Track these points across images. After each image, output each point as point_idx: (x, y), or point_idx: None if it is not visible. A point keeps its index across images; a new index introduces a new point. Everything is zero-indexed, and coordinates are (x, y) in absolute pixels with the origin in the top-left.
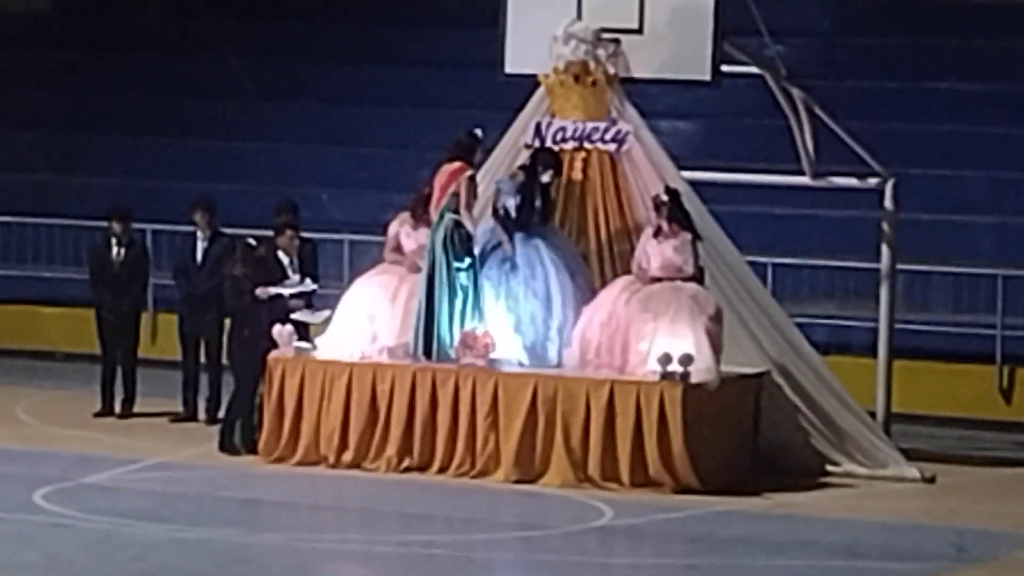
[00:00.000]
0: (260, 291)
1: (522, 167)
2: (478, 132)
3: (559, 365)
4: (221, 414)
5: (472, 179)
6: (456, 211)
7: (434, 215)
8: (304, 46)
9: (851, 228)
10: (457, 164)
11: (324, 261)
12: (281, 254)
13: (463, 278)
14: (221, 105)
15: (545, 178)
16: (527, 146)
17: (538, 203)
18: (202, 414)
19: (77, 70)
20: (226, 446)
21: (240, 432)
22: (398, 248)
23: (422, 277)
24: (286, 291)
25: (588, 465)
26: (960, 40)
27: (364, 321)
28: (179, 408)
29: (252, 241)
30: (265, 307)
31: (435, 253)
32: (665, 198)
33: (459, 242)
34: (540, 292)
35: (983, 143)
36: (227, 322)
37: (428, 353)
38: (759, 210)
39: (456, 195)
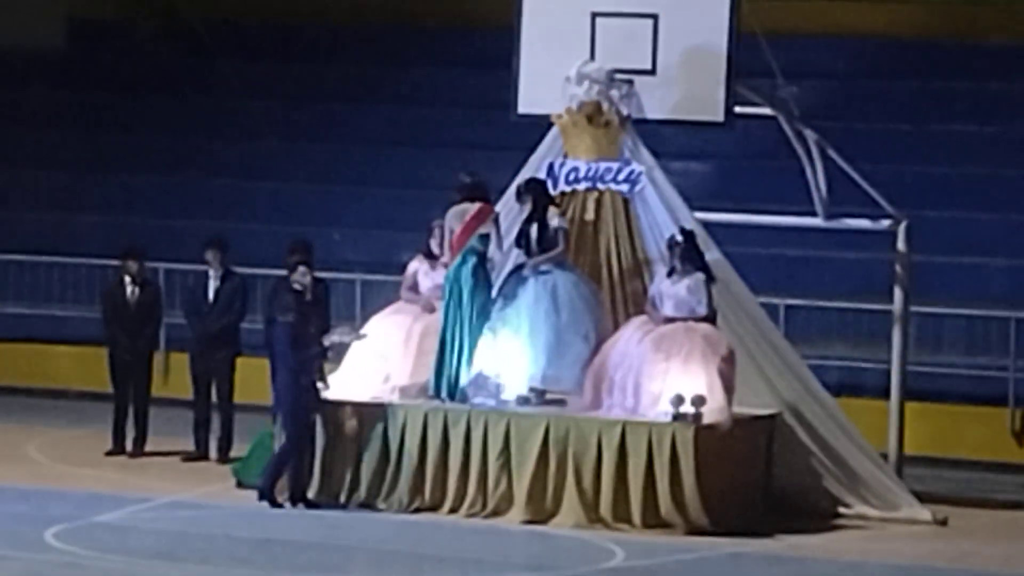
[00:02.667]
0: (326, 340)
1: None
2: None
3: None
4: (233, 452)
5: (498, 218)
6: (482, 250)
7: (455, 255)
8: (317, 86)
9: (864, 270)
10: (479, 204)
11: (336, 300)
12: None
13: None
14: (234, 145)
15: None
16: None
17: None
18: (214, 453)
19: (89, 109)
20: (267, 496)
21: (290, 482)
22: (414, 287)
23: (440, 317)
24: (347, 339)
25: (600, 506)
26: (973, 82)
27: (377, 360)
28: (191, 447)
29: (298, 287)
30: (319, 355)
31: (459, 290)
32: (680, 239)
33: (484, 279)
34: (524, 326)
35: (996, 185)
36: (238, 361)
37: (439, 393)
38: (772, 251)
39: (485, 235)
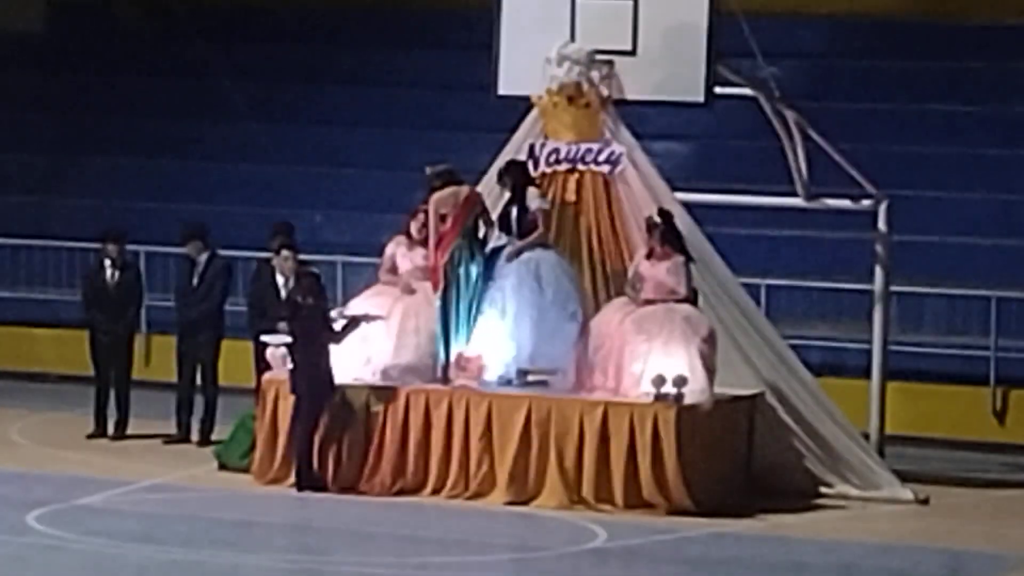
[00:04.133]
0: (337, 325)
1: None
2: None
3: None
4: (215, 436)
5: (482, 199)
6: (476, 233)
7: (451, 238)
8: (297, 68)
9: (845, 250)
10: (467, 190)
11: None
12: (278, 275)
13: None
14: (214, 127)
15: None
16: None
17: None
18: (195, 435)
19: (70, 92)
20: (309, 484)
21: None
22: (393, 269)
23: (438, 302)
24: (366, 323)
25: (582, 487)
26: (954, 62)
27: (358, 343)
28: (172, 430)
29: (315, 270)
30: (341, 337)
31: (466, 271)
32: (658, 220)
33: (479, 250)
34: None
35: (977, 165)
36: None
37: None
38: (753, 232)
39: (477, 218)
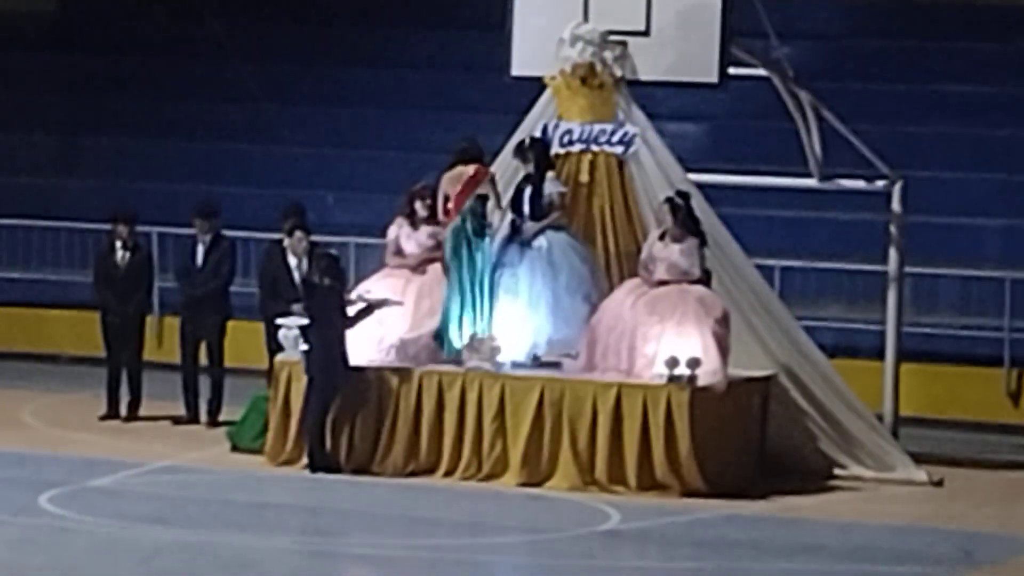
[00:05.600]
0: (352, 310)
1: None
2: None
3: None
4: (223, 416)
5: (494, 178)
6: (481, 211)
7: (454, 216)
8: (309, 48)
9: (858, 231)
10: (474, 166)
11: None
12: (290, 256)
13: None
14: (226, 108)
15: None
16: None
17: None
18: (204, 416)
19: (81, 72)
20: (322, 465)
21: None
22: (399, 252)
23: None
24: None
25: (595, 468)
26: (969, 42)
27: (373, 324)
28: (184, 411)
29: (334, 251)
30: (358, 320)
31: (464, 251)
32: (678, 201)
33: (480, 229)
34: (523, 293)
35: (991, 145)
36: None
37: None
38: (766, 213)
39: (483, 196)
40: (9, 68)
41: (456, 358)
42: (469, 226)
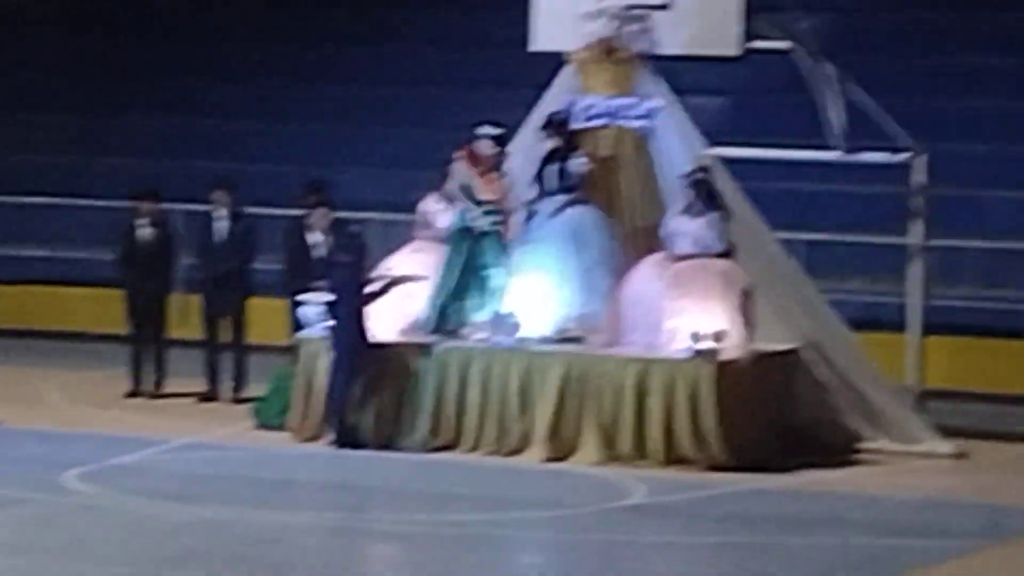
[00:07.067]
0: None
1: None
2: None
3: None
4: (246, 393)
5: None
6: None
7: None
8: (331, 26)
9: (882, 204)
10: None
11: None
12: (308, 233)
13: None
14: (248, 85)
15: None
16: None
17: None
18: (228, 393)
19: (104, 52)
20: (348, 440)
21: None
22: (430, 225)
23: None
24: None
25: (619, 443)
26: (992, 14)
27: (401, 299)
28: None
29: (356, 228)
30: (372, 296)
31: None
32: (699, 175)
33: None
34: (551, 269)
35: (1015, 117)
36: (250, 302)
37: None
38: (789, 186)
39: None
40: (31, 48)
41: (430, 332)
42: (477, 219)
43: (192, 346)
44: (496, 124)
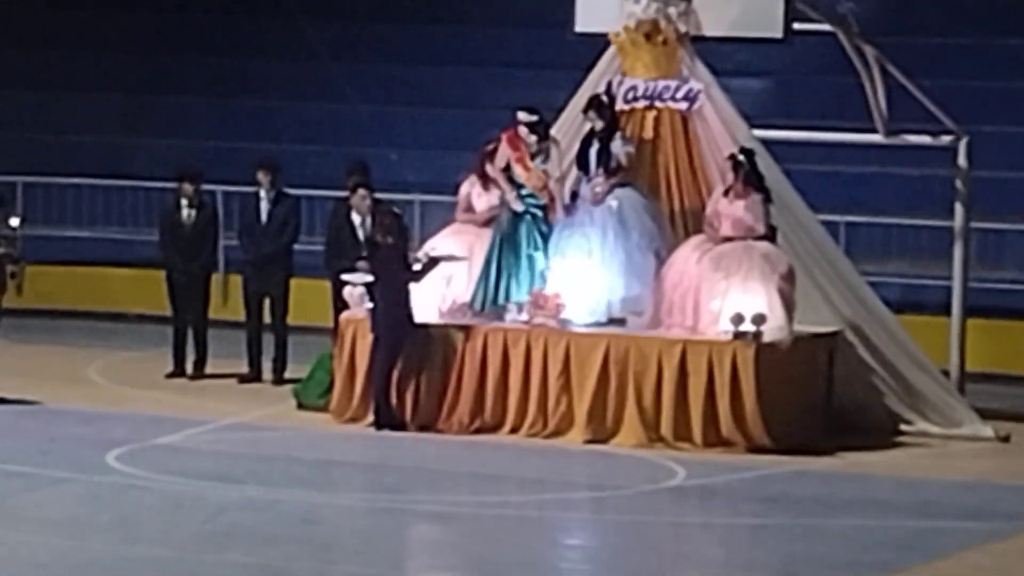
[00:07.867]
0: (416, 266)
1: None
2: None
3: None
4: (288, 374)
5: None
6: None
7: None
8: (373, 6)
9: (924, 186)
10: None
11: None
12: (354, 214)
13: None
14: (290, 66)
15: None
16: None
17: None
18: (268, 374)
19: (146, 32)
20: (389, 422)
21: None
22: (470, 208)
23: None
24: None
25: (660, 425)
26: None
27: (440, 283)
28: (248, 369)
29: (397, 209)
30: (413, 277)
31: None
32: (742, 158)
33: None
34: (596, 253)
35: None
36: (292, 283)
37: (474, 305)
38: (831, 168)
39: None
40: (74, 28)
41: (479, 313)
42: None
43: (234, 327)
44: (531, 110)
